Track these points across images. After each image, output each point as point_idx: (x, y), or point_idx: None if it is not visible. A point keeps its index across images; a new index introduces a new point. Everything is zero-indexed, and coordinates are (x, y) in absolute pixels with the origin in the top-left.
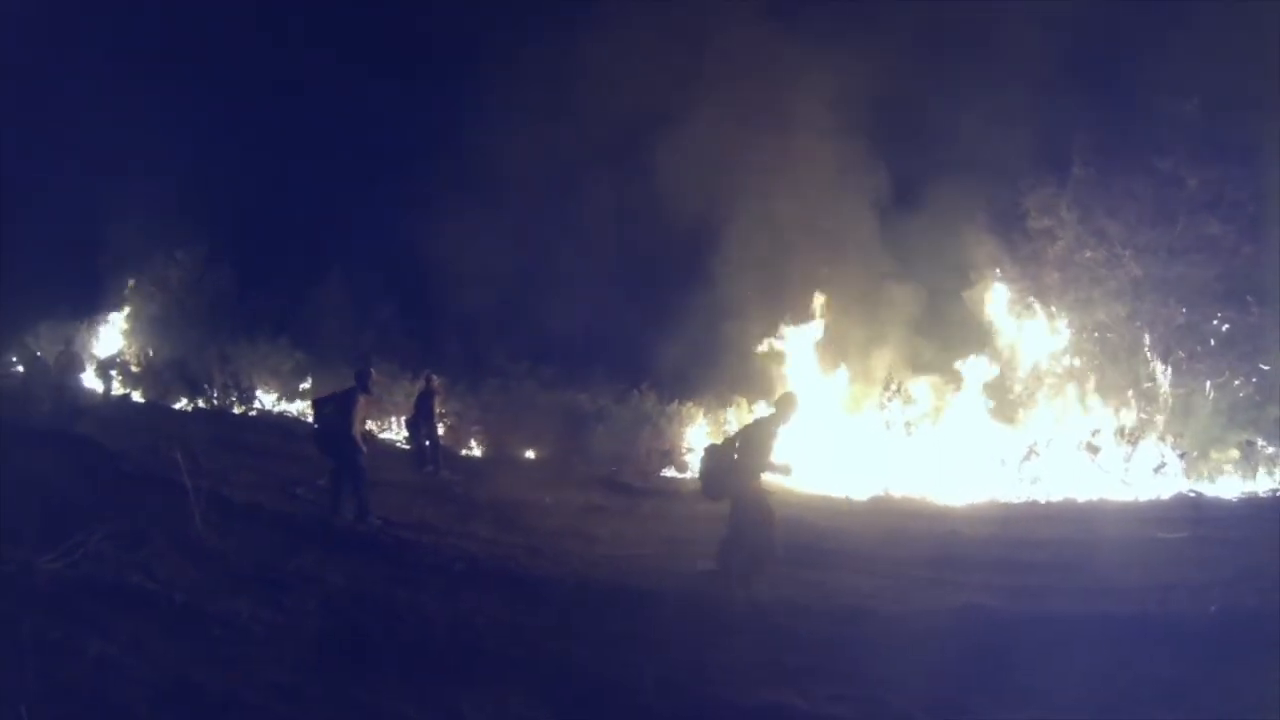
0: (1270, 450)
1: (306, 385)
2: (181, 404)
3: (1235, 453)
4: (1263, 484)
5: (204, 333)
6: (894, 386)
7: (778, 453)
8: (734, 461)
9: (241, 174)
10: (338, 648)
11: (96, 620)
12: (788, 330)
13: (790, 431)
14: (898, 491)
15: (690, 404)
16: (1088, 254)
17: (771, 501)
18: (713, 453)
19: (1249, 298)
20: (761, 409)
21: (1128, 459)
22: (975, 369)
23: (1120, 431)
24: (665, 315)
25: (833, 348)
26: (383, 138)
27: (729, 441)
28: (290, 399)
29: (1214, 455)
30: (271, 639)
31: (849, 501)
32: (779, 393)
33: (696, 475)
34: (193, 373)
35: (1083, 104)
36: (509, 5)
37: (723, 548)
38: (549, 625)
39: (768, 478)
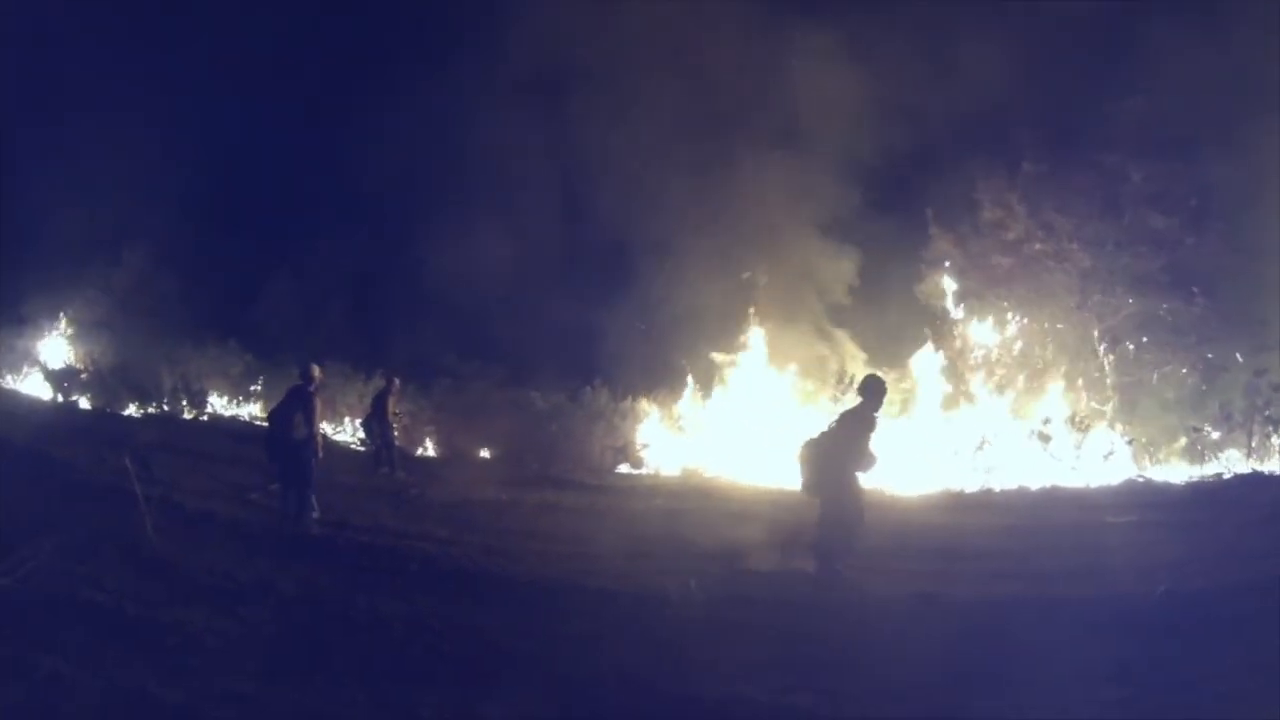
0: (1215, 437)
1: (257, 387)
2: (130, 410)
3: (1182, 439)
4: (1209, 469)
5: (151, 336)
6: (846, 379)
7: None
8: (831, 456)
9: (188, 170)
10: (294, 655)
11: (47, 636)
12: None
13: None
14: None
15: (643, 399)
16: (1037, 246)
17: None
18: (812, 447)
19: (1194, 289)
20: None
21: (1078, 447)
22: (927, 361)
23: (1071, 420)
24: (615, 310)
25: (783, 341)
26: (333, 135)
27: (826, 435)
28: (241, 402)
29: (1162, 442)
30: (227, 648)
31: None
32: (862, 378)
33: (798, 473)
34: (140, 378)
35: (1032, 99)
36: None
37: (819, 546)
38: (507, 624)
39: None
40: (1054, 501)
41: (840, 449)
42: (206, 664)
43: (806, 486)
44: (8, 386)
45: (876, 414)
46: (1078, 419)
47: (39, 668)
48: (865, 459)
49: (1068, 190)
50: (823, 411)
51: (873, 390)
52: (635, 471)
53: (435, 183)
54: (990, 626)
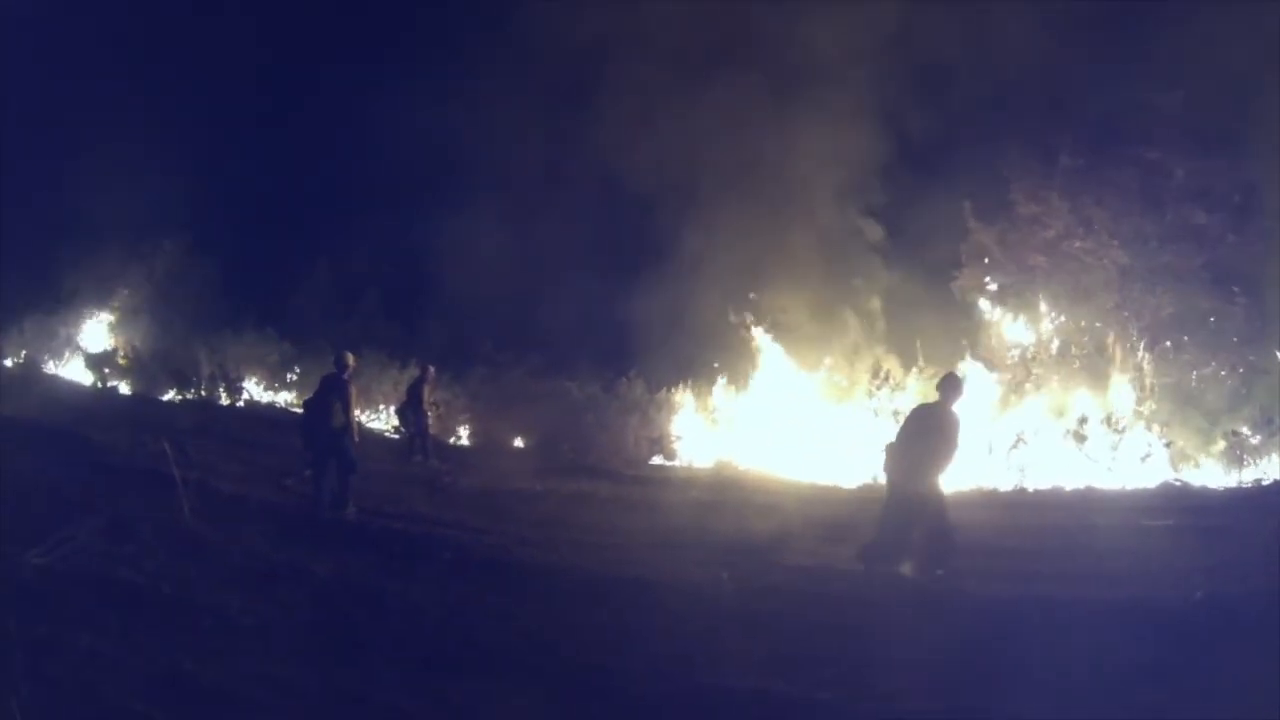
0: (1255, 441)
1: (293, 375)
2: (169, 396)
3: (1221, 443)
4: (1248, 474)
5: (190, 324)
6: (882, 375)
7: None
8: (914, 457)
9: (226, 162)
10: (328, 639)
11: (86, 615)
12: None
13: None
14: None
15: (679, 390)
16: (1076, 243)
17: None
18: (893, 451)
19: (1235, 288)
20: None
21: (1114, 448)
22: (964, 357)
23: (1107, 420)
24: (652, 301)
25: (818, 336)
26: (367, 126)
27: (906, 436)
28: (278, 389)
29: (1200, 446)
30: (262, 631)
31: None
32: (942, 376)
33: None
34: (179, 364)
35: (1071, 94)
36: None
37: (877, 547)
38: (539, 613)
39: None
40: (1089, 503)
41: (925, 448)
42: (242, 645)
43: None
44: (49, 371)
45: (955, 411)
46: (1114, 420)
47: (78, 646)
48: (947, 460)
49: (1107, 185)
50: (856, 405)
51: (954, 389)
52: (669, 463)
53: (471, 170)
54: (1021, 626)
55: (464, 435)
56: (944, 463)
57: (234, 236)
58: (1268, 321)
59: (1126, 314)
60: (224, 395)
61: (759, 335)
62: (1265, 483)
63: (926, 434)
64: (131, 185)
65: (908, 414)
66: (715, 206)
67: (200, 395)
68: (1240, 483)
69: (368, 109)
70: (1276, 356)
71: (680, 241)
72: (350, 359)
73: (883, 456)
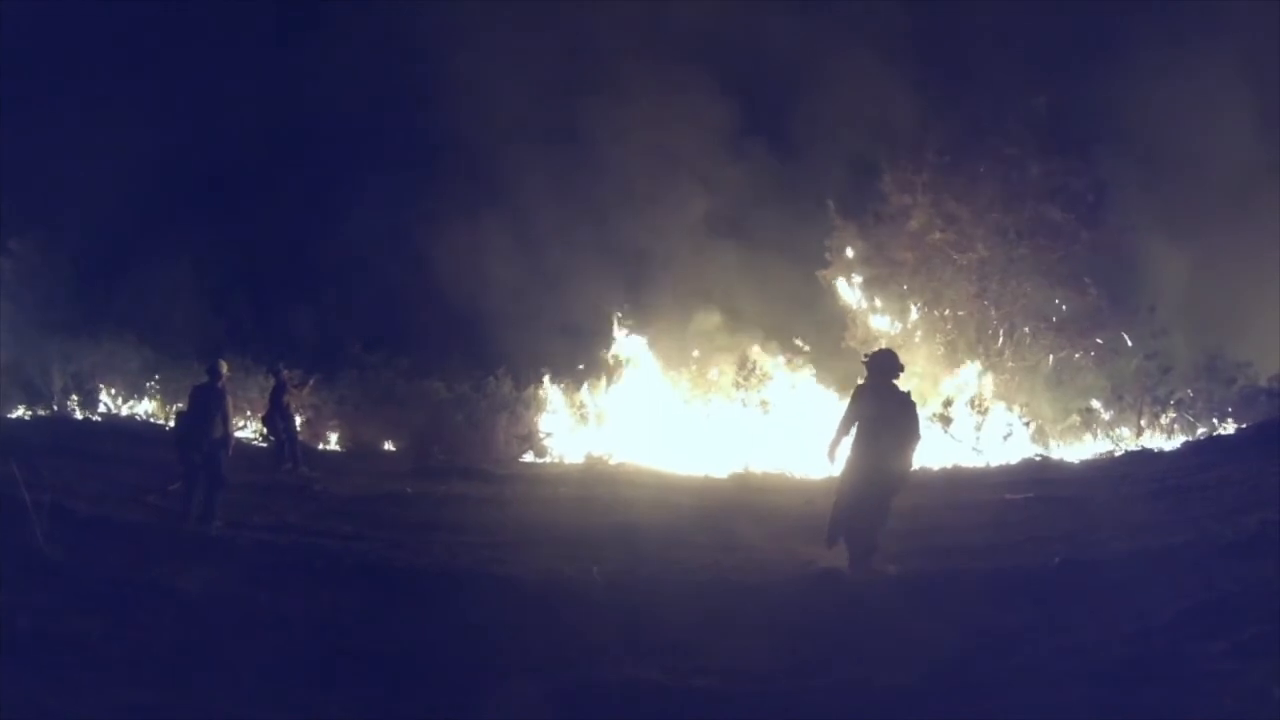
0: (1106, 416)
1: (154, 384)
2: (18, 412)
3: (1075, 419)
4: (1101, 447)
5: (40, 330)
6: (750, 366)
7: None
8: (886, 440)
9: (80, 153)
10: (198, 660)
11: None
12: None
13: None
14: (758, 468)
15: (545, 386)
16: (938, 235)
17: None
18: (862, 435)
19: (1087, 279)
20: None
21: (978, 429)
22: (829, 346)
23: (971, 403)
24: (518, 298)
25: (684, 330)
26: (235, 116)
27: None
28: (137, 399)
29: (1056, 422)
30: (128, 657)
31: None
32: (877, 352)
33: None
34: (29, 375)
35: (937, 92)
36: None
37: (850, 532)
38: (414, 616)
39: None
40: (956, 481)
41: (893, 429)
42: (107, 676)
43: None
44: None
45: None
46: (977, 402)
47: None
48: (918, 438)
49: (970, 181)
50: (724, 397)
51: (894, 363)
52: (540, 460)
53: (340, 166)
54: (893, 601)
55: (334, 440)
56: (916, 442)
57: (88, 234)
58: (1117, 308)
59: (987, 303)
60: (78, 408)
61: (625, 329)
62: (1117, 454)
63: (892, 414)
64: None
65: (860, 396)
66: (583, 199)
67: (52, 410)
68: (1096, 455)
69: (236, 98)
70: (1124, 339)
71: (544, 235)
72: (225, 367)
73: (836, 441)
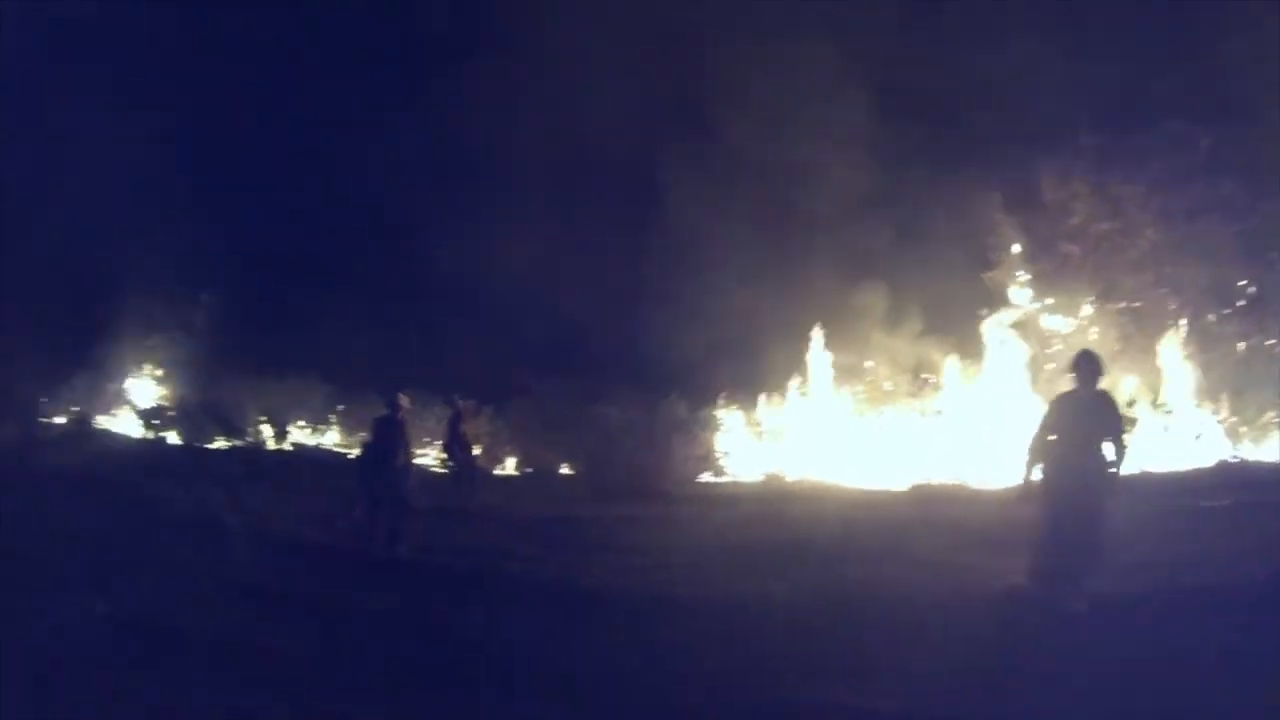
0: None
1: (334, 417)
2: (217, 443)
3: (1273, 415)
4: None
5: (234, 372)
6: (924, 375)
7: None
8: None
9: (257, 209)
10: (390, 674)
11: (149, 664)
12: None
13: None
14: (935, 479)
15: (721, 407)
16: (1104, 225)
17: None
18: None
19: (1273, 254)
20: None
21: (1165, 429)
22: (1004, 350)
23: (1153, 403)
24: (687, 320)
25: (856, 340)
26: (383, 147)
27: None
28: (322, 431)
29: (1253, 420)
30: (324, 669)
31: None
32: (1079, 355)
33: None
34: (226, 412)
35: (1088, 74)
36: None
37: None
38: (596, 637)
39: None
40: (1144, 487)
41: (1095, 438)
42: (306, 685)
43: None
44: (99, 426)
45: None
46: (1160, 399)
47: (145, 694)
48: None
49: (1131, 160)
50: (899, 409)
51: (1085, 367)
52: (717, 479)
53: (505, 202)
54: (1083, 622)
55: (510, 465)
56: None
57: (272, 283)
58: None
59: (1164, 290)
60: (271, 440)
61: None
62: None
63: (1099, 420)
64: (167, 239)
65: (1062, 404)
66: (743, 218)
67: (247, 441)
68: None
69: (392, 133)
70: None
71: (709, 256)
72: (404, 400)
73: (1032, 457)
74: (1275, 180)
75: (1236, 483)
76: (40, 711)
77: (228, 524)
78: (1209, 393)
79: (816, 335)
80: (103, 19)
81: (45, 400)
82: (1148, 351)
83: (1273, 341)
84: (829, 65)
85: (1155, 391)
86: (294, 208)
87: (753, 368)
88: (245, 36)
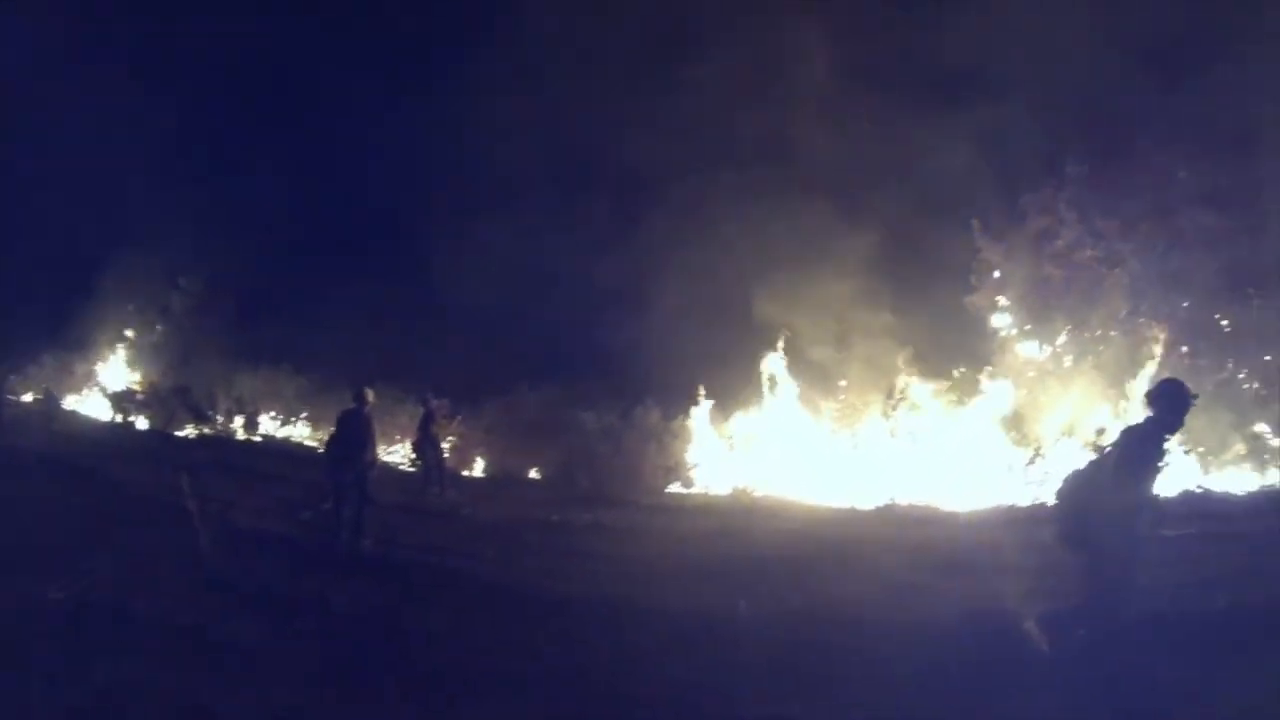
0: (1276, 442)
1: (307, 411)
2: (186, 431)
3: (1242, 447)
4: (1271, 477)
5: (207, 359)
6: (898, 395)
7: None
8: (1103, 492)
9: (242, 197)
10: (346, 670)
11: (105, 648)
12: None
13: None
14: (904, 499)
15: (692, 417)
16: (1087, 253)
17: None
18: (1079, 482)
19: (1250, 290)
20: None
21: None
22: (979, 374)
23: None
24: (665, 328)
25: (830, 359)
26: (381, 156)
27: (1097, 463)
28: (293, 423)
29: (1220, 451)
30: (280, 662)
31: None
32: (1158, 384)
33: (1055, 517)
34: (197, 400)
35: (1074, 103)
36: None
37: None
38: (557, 643)
39: None
40: None
41: (1117, 481)
42: (260, 677)
43: (1065, 538)
44: (68, 407)
45: (1170, 436)
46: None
47: (96, 677)
48: (1143, 498)
49: (1115, 191)
50: (872, 428)
51: (1170, 399)
52: (686, 491)
53: (489, 203)
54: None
55: (480, 467)
56: (1137, 494)
57: (250, 272)
58: None
59: (1141, 321)
60: (240, 430)
61: (774, 359)
62: None
63: (1122, 461)
64: (147, 221)
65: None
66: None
67: (217, 430)
68: (1263, 487)
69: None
70: None
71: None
72: (370, 394)
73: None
74: (1255, 216)
75: (1200, 513)
76: None
77: (190, 511)
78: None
79: (789, 350)
80: None
81: (15, 377)
82: (1122, 381)
83: (1243, 375)
84: (810, 80)
85: (1127, 421)
86: (278, 198)
87: (727, 380)
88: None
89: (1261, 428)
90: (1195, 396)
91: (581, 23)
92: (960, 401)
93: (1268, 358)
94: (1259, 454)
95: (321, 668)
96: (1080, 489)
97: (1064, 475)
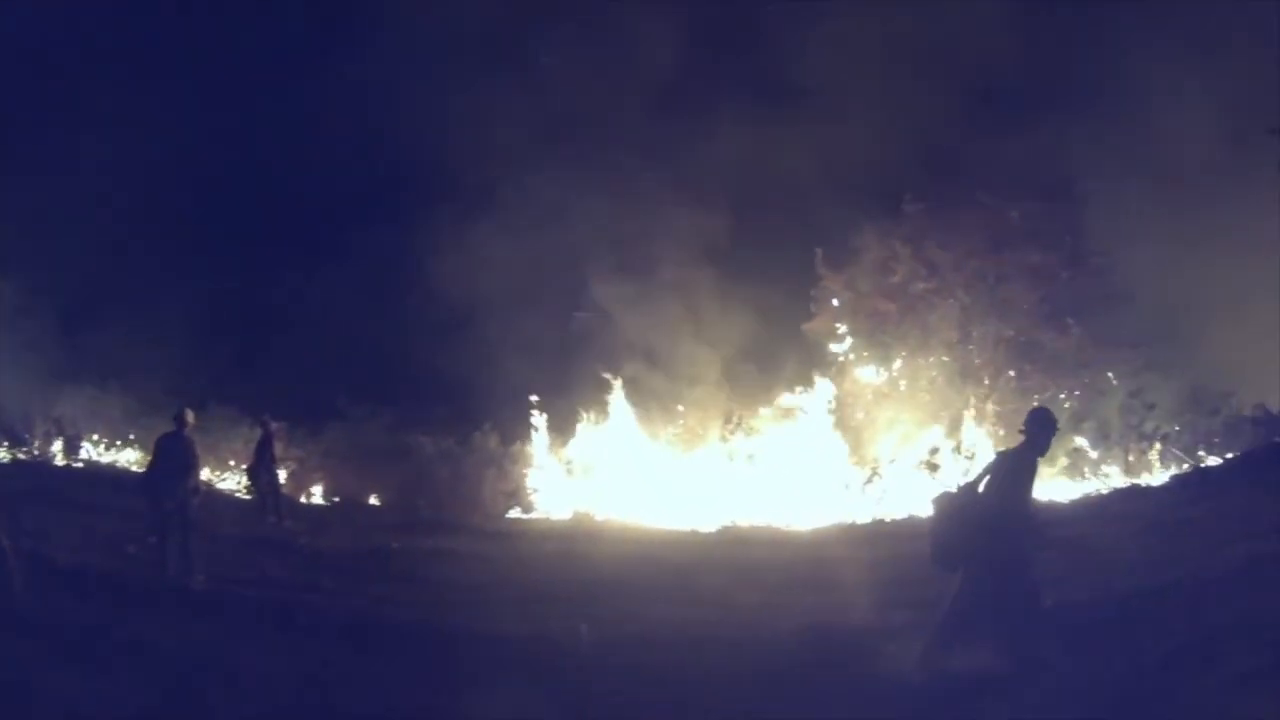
0: (1094, 455)
1: (133, 434)
2: None
3: (1063, 459)
4: (1089, 486)
5: (23, 376)
6: (735, 419)
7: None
8: (988, 513)
9: (64, 200)
10: (171, 717)
11: None
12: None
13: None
14: (744, 521)
15: (532, 443)
16: (921, 285)
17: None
18: (950, 503)
19: (1069, 319)
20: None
21: (965, 474)
22: (817, 398)
23: (956, 449)
24: (503, 355)
25: (672, 383)
26: (217, 169)
27: (973, 485)
28: (120, 447)
29: (1044, 464)
30: (104, 713)
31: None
32: (1031, 411)
33: (928, 537)
34: (10, 421)
35: (912, 142)
36: None
37: (939, 634)
38: (400, 674)
39: None
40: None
41: (997, 502)
42: None
43: (938, 559)
44: None
45: (1042, 456)
46: (963, 447)
47: None
48: (1028, 514)
49: (949, 228)
50: (711, 451)
51: (1044, 426)
52: (527, 516)
53: (327, 221)
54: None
55: (318, 494)
56: (1014, 516)
57: (72, 280)
58: (1100, 347)
59: (970, 347)
60: (60, 455)
61: (613, 384)
62: (1105, 492)
63: (999, 483)
64: None
65: (996, 461)
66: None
67: (33, 455)
68: (1086, 494)
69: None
70: (1109, 379)
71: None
72: (190, 415)
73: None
74: (1075, 252)
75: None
76: None
77: (4, 547)
78: (1008, 441)
79: (628, 376)
80: None
81: None
82: (953, 403)
83: (1063, 396)
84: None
85: (958, 439)
86: (107, 202)
87: (566, 405)
88: None
89: (1080, 441)
90: (1057, 422)
91: (421, 23)
92: (797, 424)
93: (1086, 380)
94: (1078, 465)
95: (147, 716)
96: (961, 508)
97: (936, 496)
